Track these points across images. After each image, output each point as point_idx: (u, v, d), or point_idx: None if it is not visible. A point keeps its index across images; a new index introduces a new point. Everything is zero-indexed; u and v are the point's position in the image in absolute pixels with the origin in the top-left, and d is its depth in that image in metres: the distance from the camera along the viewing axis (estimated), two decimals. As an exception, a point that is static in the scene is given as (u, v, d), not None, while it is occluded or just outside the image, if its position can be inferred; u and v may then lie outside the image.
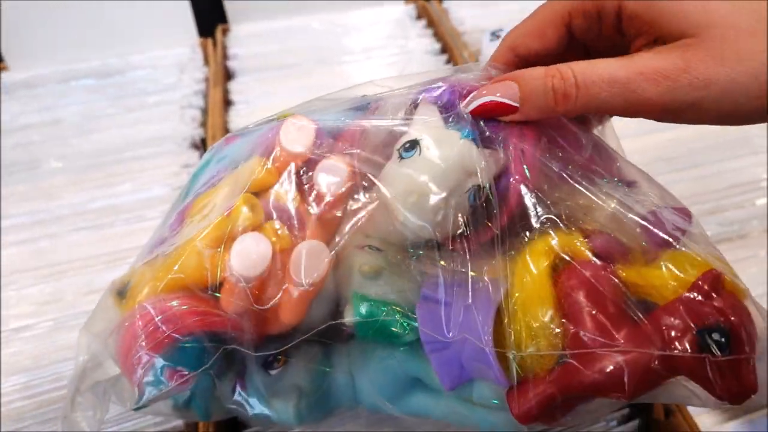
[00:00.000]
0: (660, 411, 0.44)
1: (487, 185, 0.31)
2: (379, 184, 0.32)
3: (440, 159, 0.31)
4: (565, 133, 0.33)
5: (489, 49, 0.74)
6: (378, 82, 0.36)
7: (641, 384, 0.28)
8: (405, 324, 0.32)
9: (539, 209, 0.31)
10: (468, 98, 0.31)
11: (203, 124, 0.71)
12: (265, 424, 0.39)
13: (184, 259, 0.32)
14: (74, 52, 0.79)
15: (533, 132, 0.32)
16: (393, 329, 0.32)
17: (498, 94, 0.31)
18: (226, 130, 0.69)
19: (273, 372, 0.35)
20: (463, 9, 0.83)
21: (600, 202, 0.31)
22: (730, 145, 0.62)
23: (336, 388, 0.36)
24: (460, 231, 0.31)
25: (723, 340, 0.27)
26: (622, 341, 0.28)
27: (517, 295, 0.30)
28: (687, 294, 0.28)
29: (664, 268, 0.29)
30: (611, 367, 0.27)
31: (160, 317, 0.31)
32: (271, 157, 0.34)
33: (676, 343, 0.27)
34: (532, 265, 0.30)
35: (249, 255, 0.31)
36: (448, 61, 0.76)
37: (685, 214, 0.32)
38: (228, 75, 0.78)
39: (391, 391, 0.35)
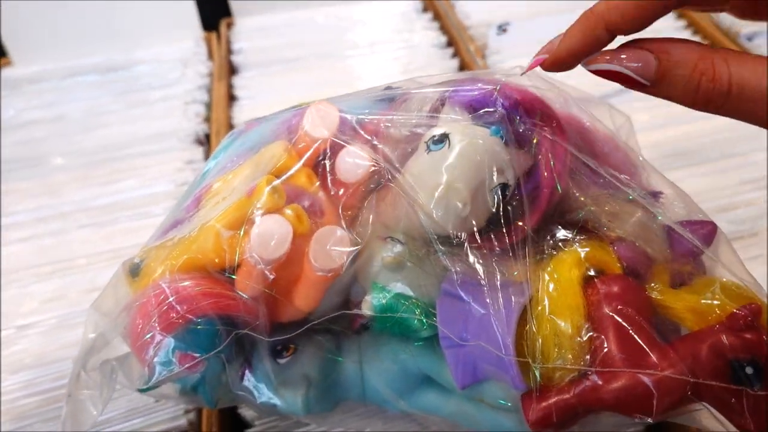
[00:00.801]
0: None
1: (514, 184, 0.30)
2: (405, 175, 0.31)
3: (469, 154, 0.30)
4: (596, 137, 0.33)
5: (495, 42, 0.74)
6: (417, 80, 0.36)
7: (669, 407, 0.27)
8: (423, 319, 0.32)
9: (567, 214, 0.31)
10: (594, 57, 0.26)
11: (207, 119, 0.70)
12: (271, 413, 0.38)
13: (201, 239, 0.32)
14: (78, 47, 0.79)
15: (564, 135, 0.31)
16: (411, 324, 0.32)
17: (630, 66, 0.25)
18: (230, 126, 0.68)
19: (282, 361, 0.34)
20: (469, 3, 0.82)
21: (626, 210, 0.31)
22: (741, 140, 0.61)
23: (345, 379, 0.36)
24: (485, 229, 0.31)
25: (755, 374, 0.26)
26: (655, 362, 0.27)
27: (546, 302, 0.29)
28: (724, 323, 0.28)
29: (707, 294, 0.29)
30: (640, 389, 0.27)
31: (174, 297, 0.31)
32: (294, 142, 0.34)
33: (709, 371, 0.26)
34: (563, 274, 0.30)
35: (270, 237, 0.30)
36: (454, 55, 0.75)
37: (711, 227, 0.31)
38: (232, 69, 0.77)
39: (401, 386, 0.35)
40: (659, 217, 0.31)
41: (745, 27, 0.73)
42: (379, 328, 0.33)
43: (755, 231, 0.54)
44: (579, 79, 0.31)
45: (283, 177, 0.33)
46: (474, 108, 0.33)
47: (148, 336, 0.30)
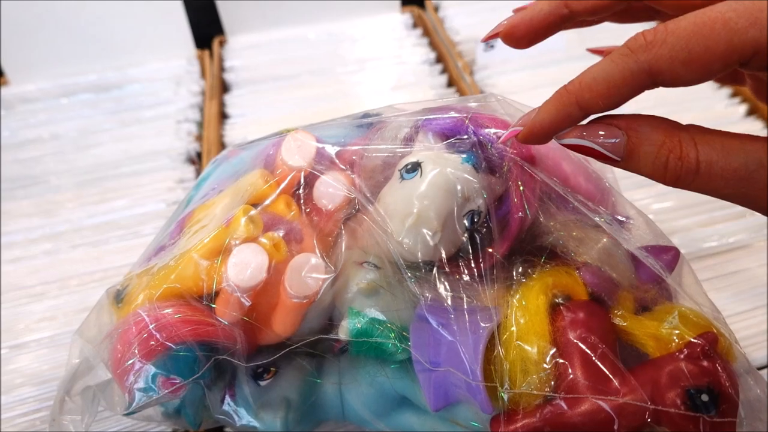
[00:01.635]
0: None
1: (485, 210, 0.31)
2: (378, 203, 0.32)
3: (440, 183, 0.31)
4: (567, 163, 0.34)
5: (483, 58, 0.75)
6: (395, 107, 0.36)
7: None
8: (398, 344, 0.32)
9: (538, 239, 0.32)
10: (567, 132, 0.26)
11: (199, 138, 0.71)
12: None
13: (180, 268, 0.33)
14: (73, 65, 0.80)
15: (534, 161, 0.32)
16: (386, 347, 0.33)
17: (599, 142, 0.25)
18: (222, 144, 0.69)
19: (262, 383, 0.35)
20: (458, 18, 0.83)
21: (591, 236, 0.31)
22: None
23: (324, 400, 0.36)
24: (455, 256, 0.32)
25: (711, 401, 0.27)
26: (617, 388, 0.28)
27: (512, 328, 0.30)
28: (682, 351, 0.29)
29: (666, 322, 0.29)
30: (603, 414, 0.28)
31: (153, 325, 0.31)
32: (272, 170, 0.35)
33: (667, 398, 0.27)
34: (531, 300, 0.30)
35: (246, 266, 0.31)
36: (443, 71, 0.76)
37: (674, 252, 0.32)
38: (224, 87, 0.78)
39: (378, 407, 0.36)
40: (626, 242, 0.31)
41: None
42: (355, 351, 0.34)
43: (744, 244, 0.53)
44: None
45: (261, 206, 0.33)
46: (446, 136, 0.34)
47: (129, 363, 0.31)
